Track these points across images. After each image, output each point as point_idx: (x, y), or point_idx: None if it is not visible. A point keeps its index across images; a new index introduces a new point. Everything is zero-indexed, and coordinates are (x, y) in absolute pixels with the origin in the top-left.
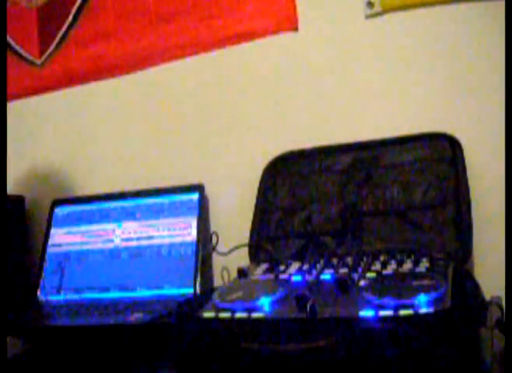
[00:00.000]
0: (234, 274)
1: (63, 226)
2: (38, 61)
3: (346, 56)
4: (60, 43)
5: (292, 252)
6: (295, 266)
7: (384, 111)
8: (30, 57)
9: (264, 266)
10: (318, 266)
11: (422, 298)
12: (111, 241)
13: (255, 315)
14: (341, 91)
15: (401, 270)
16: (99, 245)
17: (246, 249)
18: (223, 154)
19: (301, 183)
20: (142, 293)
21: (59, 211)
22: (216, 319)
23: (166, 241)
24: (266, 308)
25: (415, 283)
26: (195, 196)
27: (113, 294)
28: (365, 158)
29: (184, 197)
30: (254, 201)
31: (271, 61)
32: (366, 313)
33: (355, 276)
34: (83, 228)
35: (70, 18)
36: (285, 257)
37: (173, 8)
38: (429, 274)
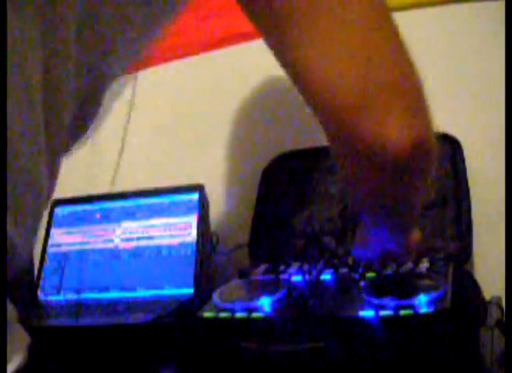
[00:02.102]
0: (234, 274)
1: (63, 226)
2: None
3: None
4: None
5: (293, 252)
6: (295, 266)
7: None
8: None
9: (264, 266)
10: (318, 266)
11: (422, 298)
12: (111, 241)
13: (255, 315)
14: None
15: (401, 270)
16: (99, 245)
17: (246, 249)
18: (223, 154)
19: (301, 183)
20: (142, 293)
21: (59, 211)
22: (216, 319)
23: (166, 241)
24: (266, 308)
25: (415, 283)
26: (195, 196)
27: (113, 294)
28: None
29: (184, 197)
30: (254, 201)
31: (271, 61)
32: (366, 313)
33: (356, 276)
34: (83, 228)
35: None
36: (285, 257)
37: None
38: (429, 274)
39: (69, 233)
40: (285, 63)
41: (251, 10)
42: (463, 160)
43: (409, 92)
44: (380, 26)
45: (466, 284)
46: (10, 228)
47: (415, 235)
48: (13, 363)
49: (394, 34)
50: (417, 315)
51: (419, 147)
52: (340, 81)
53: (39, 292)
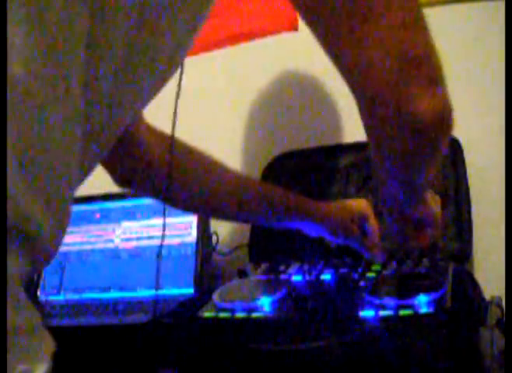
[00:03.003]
0: (234, 274)
1: None
2: None
3: None
4: None
5: (293, 252)
6: (295, 266)
7: None
8: None
9: (264, 266)
10: (318, 266)
11: (422, 298)
12: (111, 241)
13: (255, 315)
14: (342, 91)
15: (401, 270)
16: (100, 245)
17: (246, 249)
18: (223, 154)
19: (301, 182)
20: (142, 293)
21: None
22: (216, 319)
23: (166, 241)
24: (266, 308)
25: (415, 283)
26: None
27: (113, 294)
28: (365, 158)
29: None
30: None
31: (271, 61)
32: (366, 313)
33: (356, 276)
34: (83, 228)
35: None
36: (285, 257)
37: None
38: (429, 274)
39: (69, 233)
40: (341, 60)
41: (314, 11)
42: (463, 160)
43: (434, 68)
44: (417, 24)
45: (466, 284)
46: (39, 215)
47: (432, 201)
48: (39, 371)
49: (424, 24)
50: (417, 315)
51: (443, 111)
52: (388, 73)
53: (39, 292)
